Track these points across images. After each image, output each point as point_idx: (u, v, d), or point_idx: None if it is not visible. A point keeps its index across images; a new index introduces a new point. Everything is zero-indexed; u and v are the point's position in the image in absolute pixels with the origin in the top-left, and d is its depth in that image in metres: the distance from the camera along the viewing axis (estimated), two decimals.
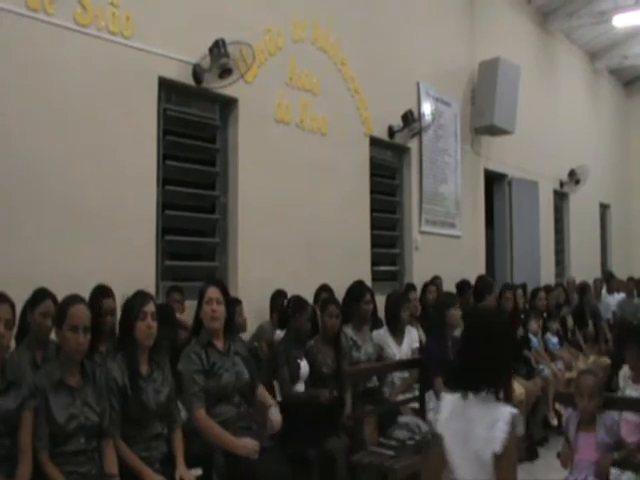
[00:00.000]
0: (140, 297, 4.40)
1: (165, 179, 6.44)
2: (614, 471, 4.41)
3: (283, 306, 6.54)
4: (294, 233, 7.52)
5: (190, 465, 4.32)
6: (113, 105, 5.81)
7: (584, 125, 16.23)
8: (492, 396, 3.20)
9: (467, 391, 3.24)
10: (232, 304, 5.25)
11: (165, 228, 6.43)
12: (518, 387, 7.50)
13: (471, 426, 3.17)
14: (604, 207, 17.74)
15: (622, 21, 14.08)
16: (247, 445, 4.43)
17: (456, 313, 6.42)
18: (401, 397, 6.58)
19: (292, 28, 7.61)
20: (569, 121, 15.21)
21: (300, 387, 5.84)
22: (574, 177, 14.94)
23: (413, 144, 9.68)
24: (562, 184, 14.88)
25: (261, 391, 5.01)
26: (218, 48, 6.43)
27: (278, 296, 6.90)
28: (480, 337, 3.31)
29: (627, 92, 19.67)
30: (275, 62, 7.35)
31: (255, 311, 6.80)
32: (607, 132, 17.86)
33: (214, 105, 6.98)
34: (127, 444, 4.15)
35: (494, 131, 11.38)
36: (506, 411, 3.12)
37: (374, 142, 8.99)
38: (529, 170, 12.95)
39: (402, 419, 5.83)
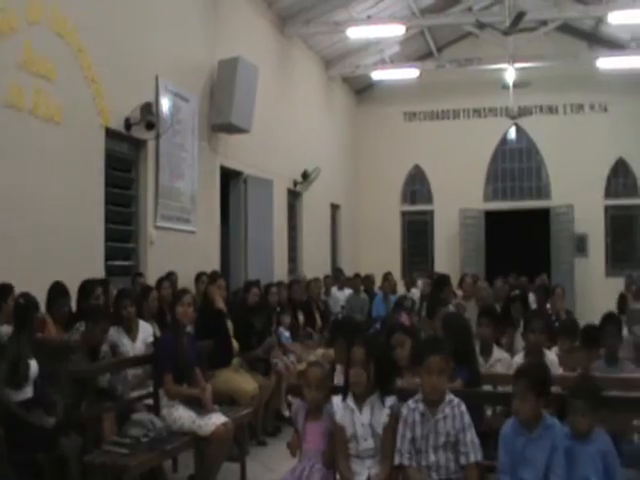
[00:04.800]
0: None
1: None
2: None
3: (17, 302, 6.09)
4: (23, 225, 7.12)
5: None
6: None
7: (318, 128, 16.87)
8: None
9: None
10: None
11: None
12: (251, 382, 7.64)
13: None
14: (335, 207, 18.55)
15: (355, 33, 14.96)
16: None
17: (189, 310, 6.37)
18: (135, 394, 6.48)
19: (28, 9, 7.20)
20: (304, 124, 15.74)
21: (29, 390, 5.50)
22: (307, 177, 15.48)
23: (150, 138, 9.53)
24: (296, 184, 15.33)
25: None
26: None
27: (1, 290, 6.48)
28: None
29: (358, 99, 20.76)
30: (8, 43, 6.91)
31: None
32: (339, 136, 18.70)
33: None
34: None
35: (231, 129, 11.50)
36: None
37: (110, 134, 8.72)
38: (264, 168, 13.24)
39: (136, 416, 5.75)
